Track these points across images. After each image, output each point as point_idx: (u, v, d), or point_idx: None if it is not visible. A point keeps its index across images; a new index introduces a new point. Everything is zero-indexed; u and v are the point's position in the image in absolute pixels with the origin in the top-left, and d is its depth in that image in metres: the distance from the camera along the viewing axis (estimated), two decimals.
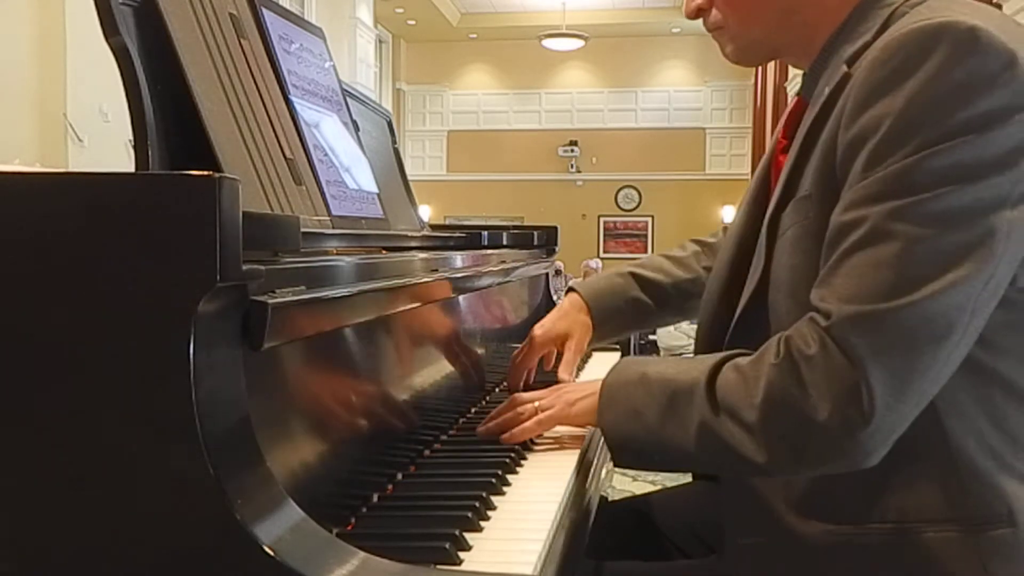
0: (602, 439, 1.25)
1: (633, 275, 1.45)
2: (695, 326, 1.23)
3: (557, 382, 1.33)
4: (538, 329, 1.41)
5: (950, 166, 0.82)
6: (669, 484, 1.52)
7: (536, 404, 1.16)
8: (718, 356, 0.97)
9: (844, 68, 0.94)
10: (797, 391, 0.86)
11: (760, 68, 15.91)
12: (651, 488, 4.05)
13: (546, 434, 1.21)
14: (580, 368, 1.82)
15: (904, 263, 0.83)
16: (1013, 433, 0.92)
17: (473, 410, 1.37)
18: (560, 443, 1.22)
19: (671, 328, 6.20)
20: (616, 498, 1.50)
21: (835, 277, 0.87)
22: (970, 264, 0.82)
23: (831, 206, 0.90)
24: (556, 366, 1.41)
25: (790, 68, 13.00)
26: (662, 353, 6.69)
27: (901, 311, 0.82)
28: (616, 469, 1.13)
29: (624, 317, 1.45)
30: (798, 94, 1.07)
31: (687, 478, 1.42)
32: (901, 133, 0.84)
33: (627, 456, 1.03)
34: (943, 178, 0.82)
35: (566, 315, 1.43)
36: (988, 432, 0.91)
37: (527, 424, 1.14)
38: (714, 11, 1.06)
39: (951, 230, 0.82)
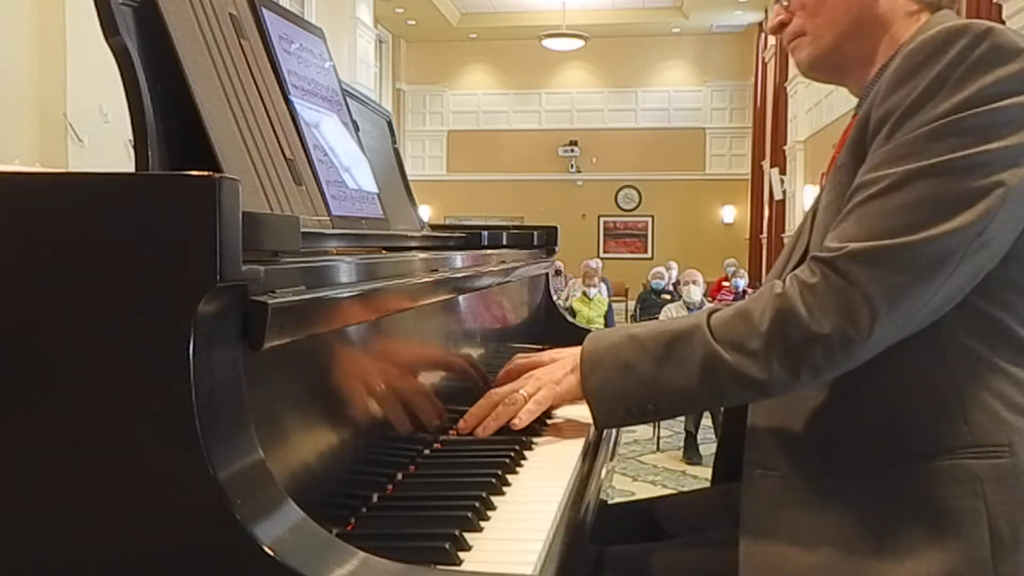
0: (602, 437, 1.26)
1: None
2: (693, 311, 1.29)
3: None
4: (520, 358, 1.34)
5: (963, 138, 0.94)
6: (669, 484, 1.52)
7: (522, 392, 1.17)
8: (705, 308, 1.09)
9: None
10: (802, 311, 0.97)
11: (760, 68, 15.92)
12: (651, 488, 4.07)
13: (545, 432, 1.21)
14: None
15: (908, 212, 0.94)
16: (1015, 377, 1.01)
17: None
18: (561, 434, 1.22)
19: (671, 312, 6.16)
20: (616, 499, 1.50)
21: (845, 222, 0.99)
22: (964, 216, 0.94)
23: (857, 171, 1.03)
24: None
25: (791, 67, 13.01)
26: None
27: (897, 249, 0.94)
28: (616, 466, 1.14)
29: None
30: (855, 114, 1.16)
31: (691, 483, 1.42)
32: (921, 106, 0.96)
33: (614, 413, 1.09)
34: (954, 145, 0.94)
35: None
36: (992, 376, 1.00)
37: (529, 406, 1.16)
38: (794, 19, 1.19)
39: (954, 187, 0.94)
